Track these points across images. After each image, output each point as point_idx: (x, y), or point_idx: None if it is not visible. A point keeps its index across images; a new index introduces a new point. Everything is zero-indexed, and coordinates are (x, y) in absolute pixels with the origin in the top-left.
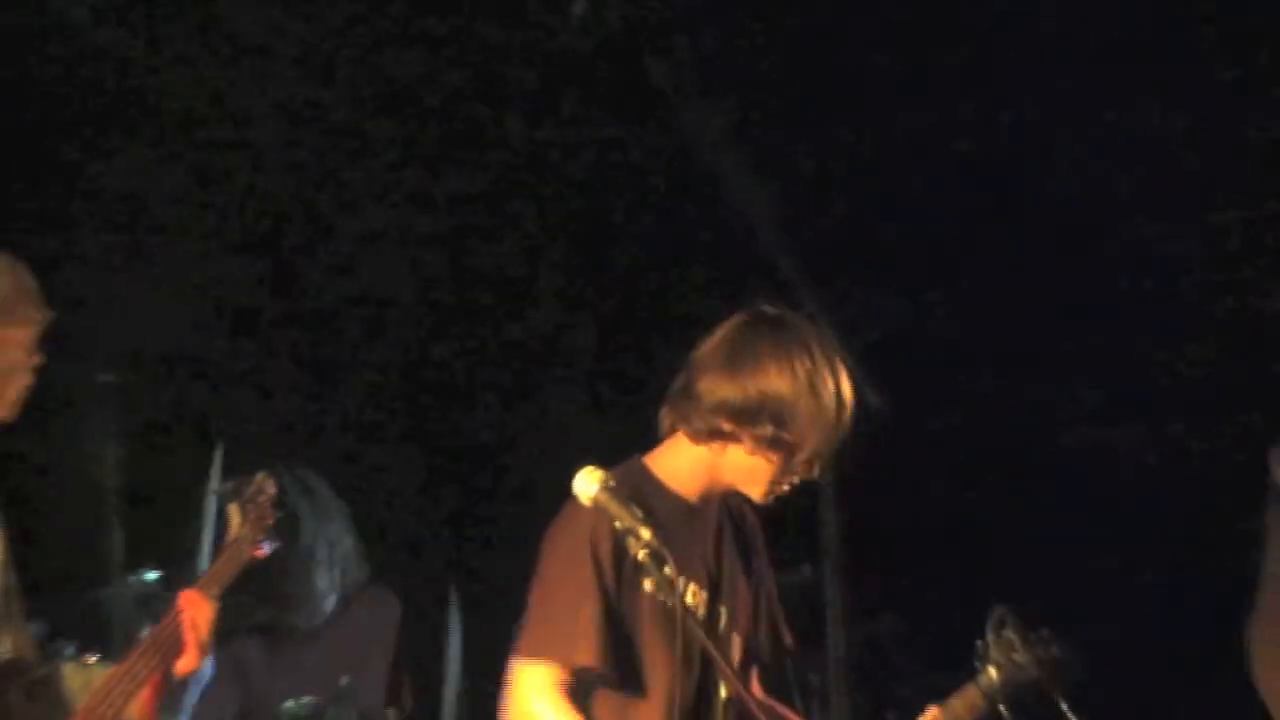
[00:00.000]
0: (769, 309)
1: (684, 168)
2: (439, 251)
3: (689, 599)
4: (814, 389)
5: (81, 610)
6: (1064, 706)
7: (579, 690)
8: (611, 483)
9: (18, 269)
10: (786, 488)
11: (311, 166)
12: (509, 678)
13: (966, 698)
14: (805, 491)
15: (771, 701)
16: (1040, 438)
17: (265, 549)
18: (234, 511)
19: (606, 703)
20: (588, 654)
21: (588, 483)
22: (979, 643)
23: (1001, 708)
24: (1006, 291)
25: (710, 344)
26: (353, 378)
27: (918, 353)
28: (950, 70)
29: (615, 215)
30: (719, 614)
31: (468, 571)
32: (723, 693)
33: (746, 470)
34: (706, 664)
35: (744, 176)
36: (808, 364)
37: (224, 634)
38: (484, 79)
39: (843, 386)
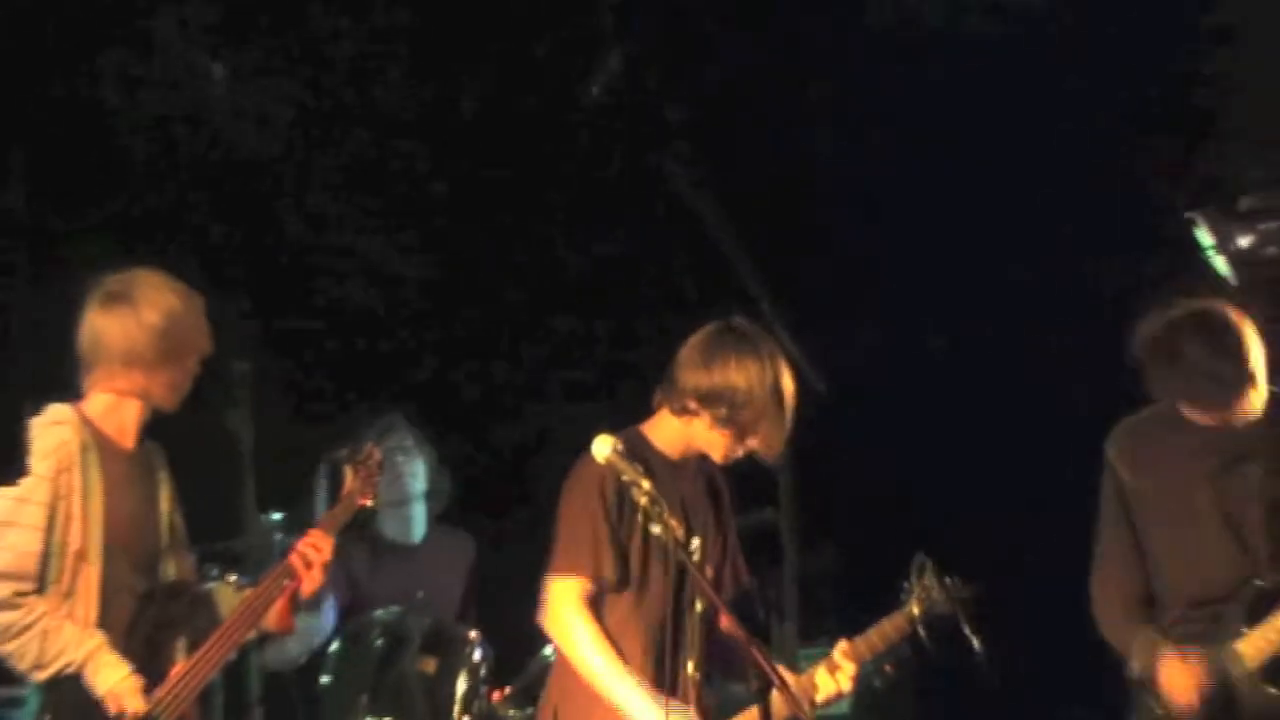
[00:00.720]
0: (738, 321)
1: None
2: None
3: (679, 537)
4: (762, 388)
5: (228, 545)
6: (969, 634)
7: (596, 598)
8: (620, 446)
9: (196, 300)
10: (740, 454)
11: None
12: (546, 591)
13: (894, 622)
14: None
15: (733, 621)
16: (959, 415)
17: (370, 500)
18: (348, 471)
19: (613, 608)
20: (600, 568)
21: (602, 446)
22: (904, 582)
23: (920, 631)
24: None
25: (690, 343)
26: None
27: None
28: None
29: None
30: (694, 545)
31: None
32: (698, 605)
33: (706, 440)
34: (683, 582)
35: (719, 220)
36: (760, 368)
37: (341, 552)
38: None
39: (785, 387)
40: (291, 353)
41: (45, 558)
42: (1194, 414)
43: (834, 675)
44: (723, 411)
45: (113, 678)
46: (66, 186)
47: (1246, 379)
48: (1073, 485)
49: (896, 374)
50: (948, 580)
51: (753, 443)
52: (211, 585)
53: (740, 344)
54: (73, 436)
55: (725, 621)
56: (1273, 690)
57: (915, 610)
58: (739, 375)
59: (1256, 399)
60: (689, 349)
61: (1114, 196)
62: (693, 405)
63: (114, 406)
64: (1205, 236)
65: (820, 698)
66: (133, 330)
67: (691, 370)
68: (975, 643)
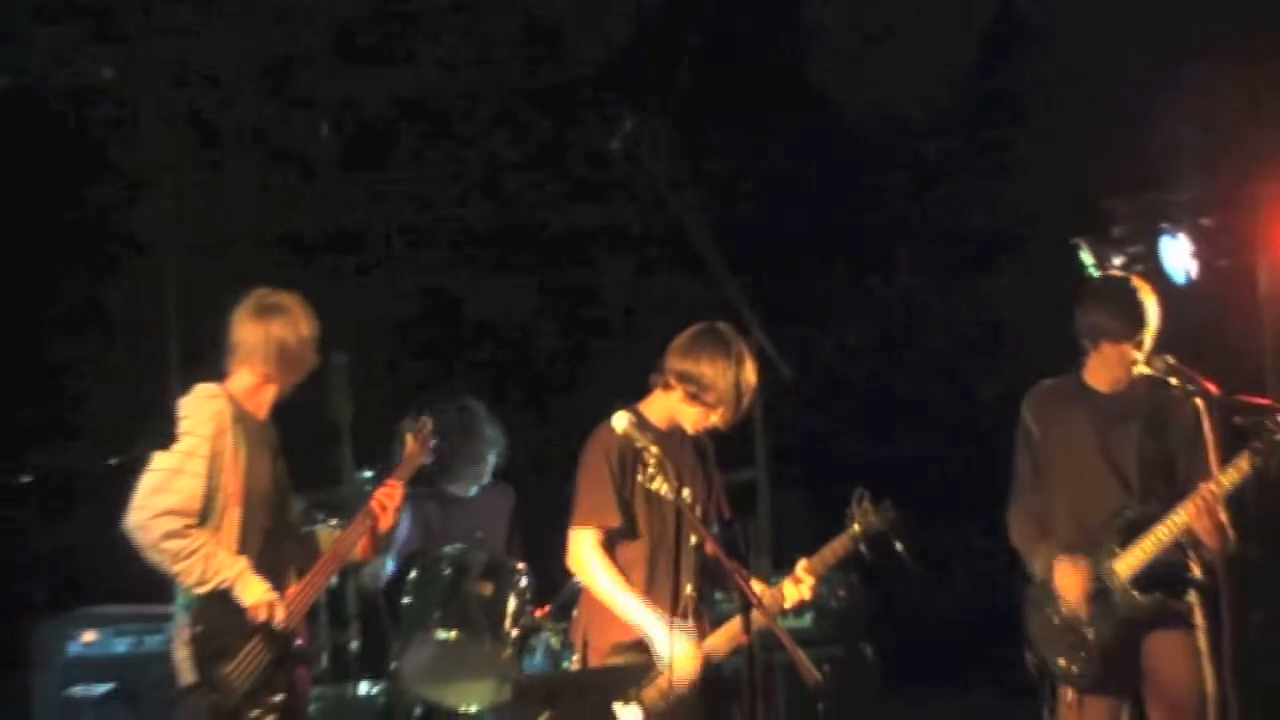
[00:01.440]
0: (720, 325)
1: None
2: None
3: (675, 490)
4: (725, 381)
5: (330, 495)
6: (900, 548)
7: (608, 543)
8: (635, 419)
9: (307, 314)
10: (707, 426)
11: None
12: (568, 538)
13: (841, 541)
14: (746, 424)
15: (720, 549)
16: (901, 388)
17: (428, 459)
18: (410, 439)
19: (623, 547)
20: (607, 520)
21: (620, 420)
22: (847, 510)
23: (862, 548)
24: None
25: (681, 336)
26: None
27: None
28: None
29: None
30: (686, 495)
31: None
32: (692, 540)
33: (680, 411)
34: (680, 527)
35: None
36: (726, 365)
37: (415, 499)
38: None
39: (745, 381)
40: (379, 345)
41: (205, 500)
42: (1090, 378)
43: (798, 586)
44: (692, 389)
45: (258, 591)
46: None
47: (1144, 321)
48: (989, 446)
49: (849, 363)
50: (880, 506)
51: (714, 419)
52: (314, 527)
53: (715, 343)
54: (225, 408)
55: (711, 548)
56: (1140, 596)
57: (857, 529)
58: (708, 367)
59: (1147, 342)
60: (679, 340)
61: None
62: (672, 381)
63: (256, 388)
64: (1087, 257)
65: (788, 604)
66: (289, 336)
67: (676, 356)
68: (902, 551)
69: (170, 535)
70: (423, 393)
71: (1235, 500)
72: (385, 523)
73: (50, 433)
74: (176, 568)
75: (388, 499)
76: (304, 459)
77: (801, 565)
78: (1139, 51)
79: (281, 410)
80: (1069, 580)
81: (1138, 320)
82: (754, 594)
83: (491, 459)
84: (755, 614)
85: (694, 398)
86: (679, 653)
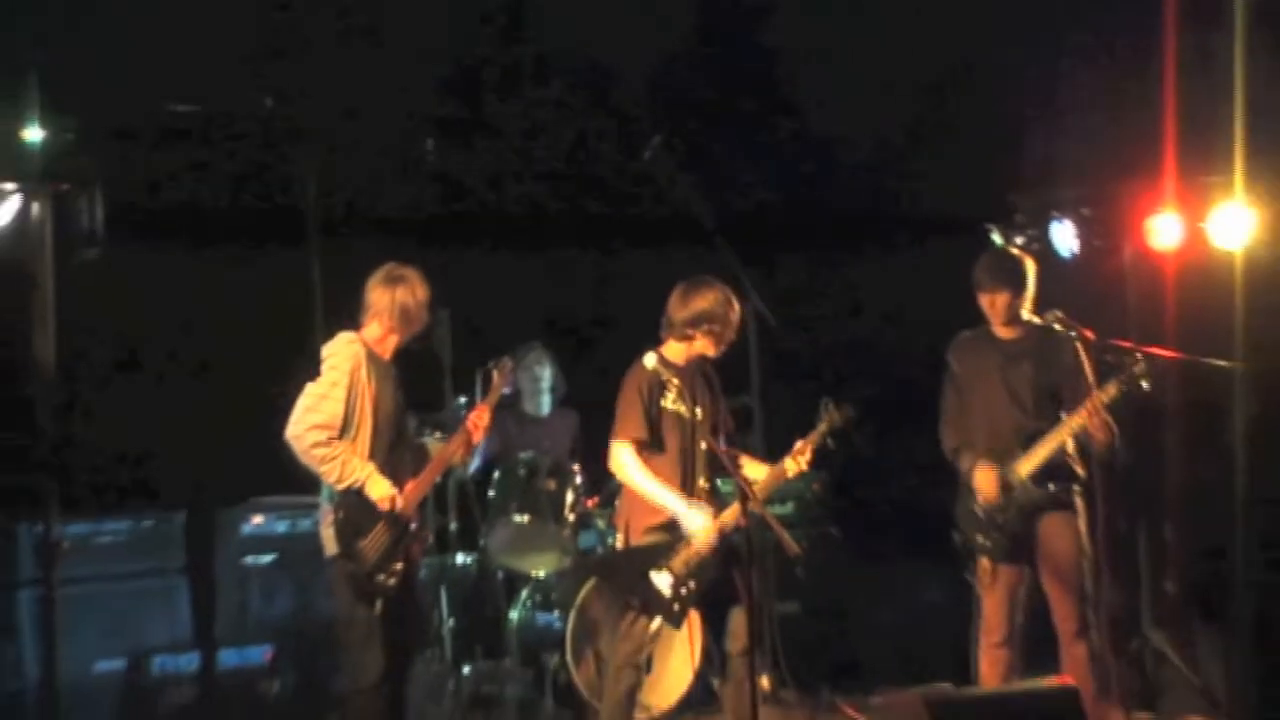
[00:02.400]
0: (698, 276)
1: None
2: None
3: (690, 411)
4: (724, 317)
5: (435, 416)
6: (854, 439)
7: (639, 449)
8: (659, 358)
9: (422, 282)
10: (722, 350)
11: None
12: (609, 448)
13: (815, 434)
14: (742, 361)
15: (725, 449)
16: (858, 340)
17: (508, 389)
18: (495, 373)
19: (651, 455)
20: (638, 434)
21: (650, 359)
22: (819, 413)
23: (829, 442)
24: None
25: (674, 296)
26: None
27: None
28: None
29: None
30: (698, 413)
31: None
32: (703, 446)
33: (703, 346)
34: (695, 438)
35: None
36: (720, 297)
37: (498, 417)
38: None
39: (733, 311)
40: (472, 303)
41: (345, 419)
42: (996, 330)
43: (796, 460)
44: (703, 326)
45: (382, 488)
46: None
47: (1024, 282)
48: (925, 376)
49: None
50: (841, 408)
51: (725, 342)
52: (424, 439)
53: (705, 286)
54: (360, 351)
55: (717, 448)
56: (1036, 489)
57: (824, 426)
58: (706, 302)
59: (1026, 303)
60: (675, 297)
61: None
62: (690, 331)
63: (383, 337)
64: (997, 238)
65: (791, 474)
66: (409, 300)
67: (678, 307)
68: (856, 440)
69: (317, 444)
70: (505, 341)
71: (1109, 413)
72: (476, 438)
73: None
74: (321, 469)
75: (478, 419)
76: (418, 389)
77: (797, 446)
78: (1035, 76)
79: (402, 352)
80: (985, 480)
81: (1014, 281)
82: (749, 484)
83: (550, 389)
84: (750, 501)
85: (707, 333)
86: (700, 525)
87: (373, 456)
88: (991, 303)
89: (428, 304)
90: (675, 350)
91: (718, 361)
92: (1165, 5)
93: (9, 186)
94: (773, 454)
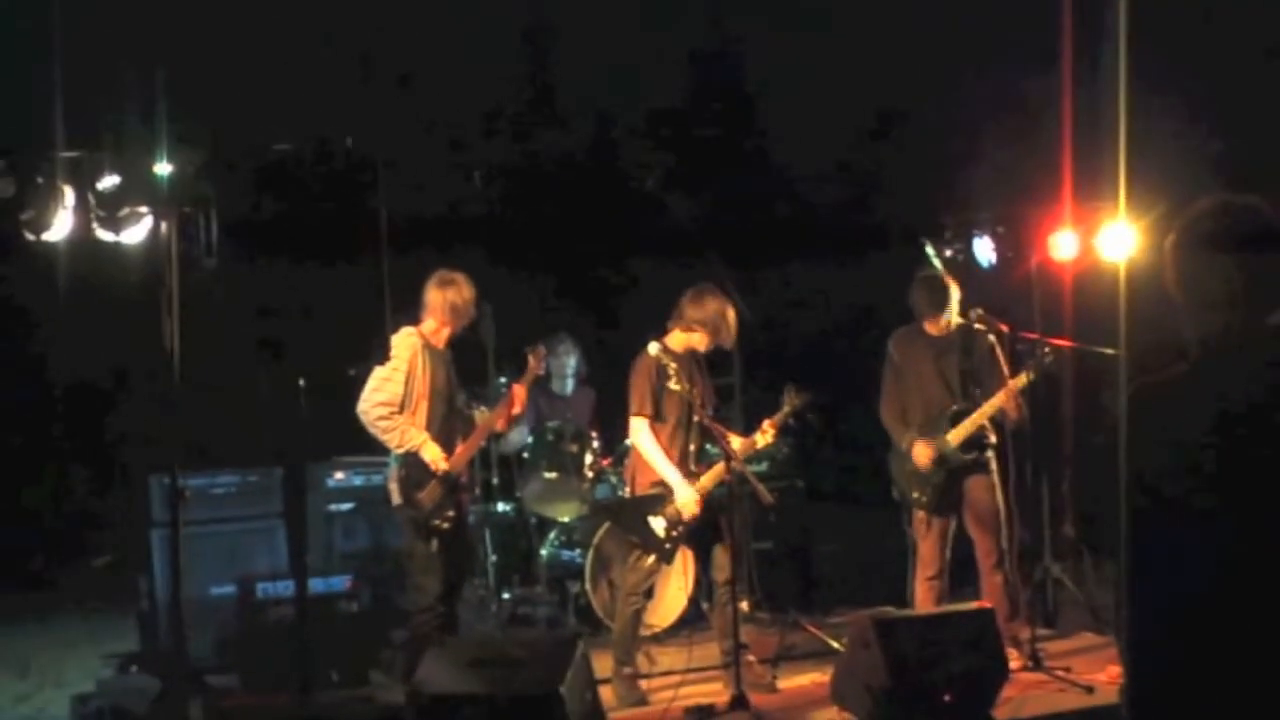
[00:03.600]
0: (710, 284)
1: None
2: None
3: (686, 390)
4: (722, 317)
5: (481, 391)
6: (810, 417)
7: (651, 424)
8: (662, 347)
9: (469, 284)
10: (713, 345)
11: None
12: (629, 421)
13: (781, 411)
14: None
15: (714, 421)
16: (809, 336)
17: (541, 371)
18: (531, 358)
19: (659, 428)
20: (649, 411)
21: (655, 347)
22: (783, 395)
23: (791, 421)
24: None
25: (687, 295)
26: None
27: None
28: None
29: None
30: (694, 394)
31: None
32: (695, 419)
33: (700, 340)
34: (691, 415)
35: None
36: (721, 306)
37: (533, 395)
38: None
39: (730, 318)
40: (511, 298)
41: (404, 397)
42: (928, 327)
43: (764, 434)
44: (708, 326)
45: (434, 452)
46: None
47: (947, 303)
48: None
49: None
50: (800, 392)
51: (717, 340)
52: (472, 411)
53: (713, 295)
54: (418, 341)
55: (707, 422)
56: (963, 454)
57: (788, 407)
58: (713, 310)
59: (953, 316)
60: (689, 297)
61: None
62: (695, 326)
63: (436, 330)
64: (930, 250)
65: (759, 446)
66: (458, 300)
67: (692, 306)
68: (811, 418)
69: (381, 417)
70: (537, 330)
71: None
72: (516, 409)
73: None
74: (385, 437)
75: (517, 395)
76: (467, 369)
77: (763, 426)
78: (960, 122)
79: (454, 340)
80: (921, 451)
81: (939, 304)
82: (731, 449)
83: (574, 371)
84: (732, 461)
85: (707, 331)
86: (687, 497)
87: (428, 426)
88: (934, 323)
89: (474, 301)
90: (677, 339)
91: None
92: (1062, 60)
93: (143, 209)
94: (749, 427)
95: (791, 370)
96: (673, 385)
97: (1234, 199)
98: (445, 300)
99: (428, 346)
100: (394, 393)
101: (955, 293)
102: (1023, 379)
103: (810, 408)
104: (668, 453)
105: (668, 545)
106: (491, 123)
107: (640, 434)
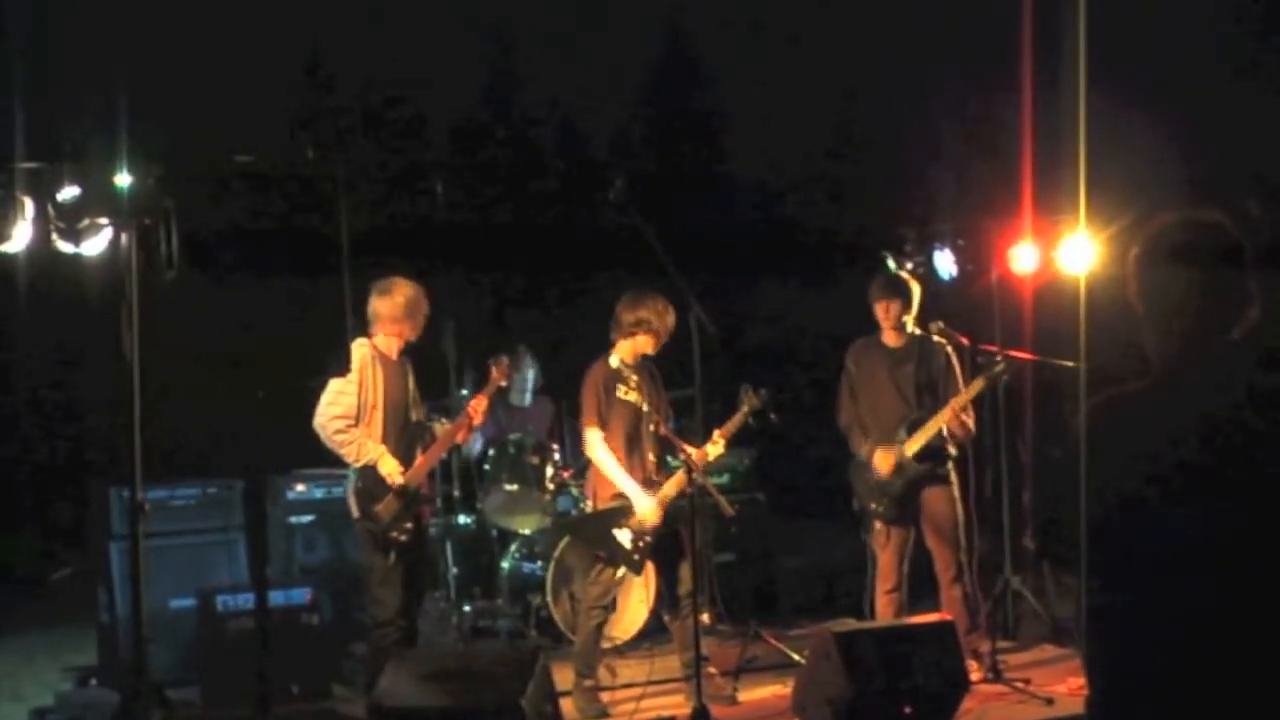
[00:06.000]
0: (643, 290)
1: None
2: None
3: (638, 399)
4: (659, 319)
5: (442, 403)
6: (772, 416)
7: (604, 436)
8: (617, 358)
9: (420, 290)
10: (659, 346)
11: None
12: (584, 432)
13: (737, 416)
14: (686, 355)
15: (669, 432)
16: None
17: (503, 382)
18: (493, 370)
19: (611, 437)
20: (598, 421)
21: (614, 358)
22: (740, 396)
23: (751, 421)
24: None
25: (623, 302)
26: None
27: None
28: None
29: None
30: (646, 403)
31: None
32: (651, 429)
33: (644, 344)
34: (641, 423)
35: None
36: (655, 304)
37: (493, 406)
38: None
39: (669, 320)
40: (470, 312)
41: (358, 409)
42: (885, 338)
43: (715, 445)
44: (644, 326)
45: (390, 465)
46: None
47: (900, 294)
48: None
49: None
50: (759, 392)
51: (663, 339)
52: (432, 422)
53: (647, 296)
54: (368, 352)
55: (663, 431)
56: (920, 464)
57: (746, 408)
58: (649, 311)
59: (911, 322)
60: (623, 303)
61: None
62: (636, 330)
63: (387, 340)
64: (891, 263)
65: (712, 457)
66: (398, 301)
67: (627, 311)
68: (774, 418)
69: (338, 431)
70: (498, 343)
71: (977, 403)
72: (475, 422)
73: None
74: (342, 450)
75: (477, 407)
76: (429, 382)
77: (716, 433)
78: (920, 137)
79: (415, 352)
80: (882, 460)
81: (892, 292)
82: (691, 459)
83: (533, 383)
84: (693, 472)
85: (648, 332)
86: (646, 507)
87: (384, 438)
88: (886, 310)
89: (417, 299)
90: (625, 349)
91: (664, 360)
92: (1022, 76)
93: (103, 221)
94: (709, 435)
95: (752, 378)
96: (621, 395)
97: (1198, 214)
98: (386, 307)
99: (379, 357)
100: (350, 405)
101: (916, 289)
102: (976, 386)
103: (770, 406)
104: (624, 463)
105: (636, 556)
106: (455, 136)
107: (594, 445)
